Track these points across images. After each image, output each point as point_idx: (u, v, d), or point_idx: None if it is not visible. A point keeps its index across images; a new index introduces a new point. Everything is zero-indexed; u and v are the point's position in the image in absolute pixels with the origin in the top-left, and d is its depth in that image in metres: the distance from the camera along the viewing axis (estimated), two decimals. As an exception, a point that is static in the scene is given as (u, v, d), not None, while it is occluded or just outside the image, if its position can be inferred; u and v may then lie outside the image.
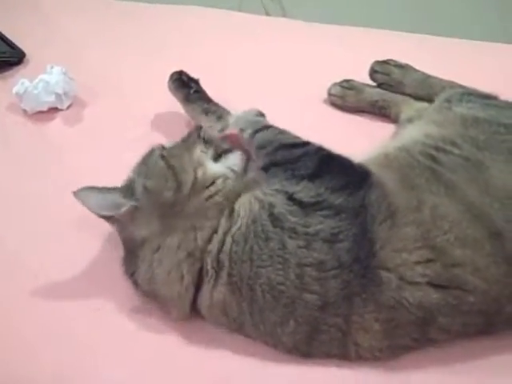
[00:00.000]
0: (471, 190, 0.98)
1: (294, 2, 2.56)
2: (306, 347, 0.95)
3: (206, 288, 0.97)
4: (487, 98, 1.25)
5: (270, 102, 1.42)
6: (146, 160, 1.07)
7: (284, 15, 2.50)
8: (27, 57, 1.59)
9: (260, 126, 1.15)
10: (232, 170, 1.06)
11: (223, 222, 0.98)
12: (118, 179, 1.07)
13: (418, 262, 0.92)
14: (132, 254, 1.02)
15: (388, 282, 0.91)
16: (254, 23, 1.79)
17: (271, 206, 0.96)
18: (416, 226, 0.94)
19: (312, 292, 0.91)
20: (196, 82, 1.34)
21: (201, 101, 1.32)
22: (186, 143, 1.09)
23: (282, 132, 1.12)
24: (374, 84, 1.46)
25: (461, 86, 1.35)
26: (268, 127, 1.14)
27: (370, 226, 0.93)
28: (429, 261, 0.92)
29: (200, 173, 1.02)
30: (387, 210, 0.95)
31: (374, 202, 0.96)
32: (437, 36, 1.72)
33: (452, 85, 1.37)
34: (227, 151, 1.10)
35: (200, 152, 1.07)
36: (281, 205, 0.96)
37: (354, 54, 1.60)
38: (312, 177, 0.98)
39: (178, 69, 1.37)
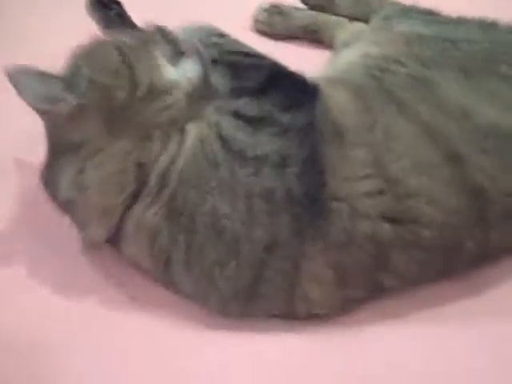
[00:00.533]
0: (425, 109, 0.88)
1: None
2: (245, 300, 0.84)
3: (139, 207, 0.84)
4: (429, 14, 1.15)
5: None
6: (95, 48, 0.90)
7: None
8: None
9: (215, 32, 1.00)
10: (190, 81, 0.90)
11: (176, 137, 0.85)
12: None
13: (368, 193, 0.82)
14: (59, 158, 0.87)
15: (339, 214, 0.81)
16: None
17: (218, 125, 0.85)
18: (366, 149, 0.84)
19: (260, 227, 0.80)
20: (119, 3, 1.12)
21: (122, 25, 1.09)
22: (146, 41, 0.91)
23: (238, 42, 0.99)
24: (305, 7, 1.33)
25: (398, 3, 1.24)
26: (223, 35, 1.00)
27: (318, 146, 0.83)
28: (380, 192, 0.82)
29: (157, 77, 0.87)
30: (335, 131, 0.85)
31: (320, 122, 0.85)
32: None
33: (390, 1, 1.26)
34: (188, 56, 0.92)
35: (159, 53, 0.90)
36: (228, 123, 0.84)
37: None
38: (257, 92, 0.87)
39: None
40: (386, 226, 0.82)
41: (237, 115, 0.85)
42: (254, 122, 0.84)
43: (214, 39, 0.98)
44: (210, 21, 1.29)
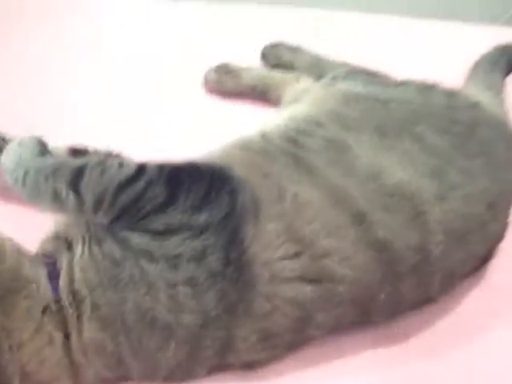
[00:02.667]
0: (334, 173, 0.91)
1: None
2: (187, 369, 0.86)
3: (74, 334, 0.82)
4: (374, 76, 1.19)
5: (148, 90, 1.37)
6: None
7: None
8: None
9: (70, 173, 0.86)
10: None
11: (63, 256, 0.85)
12: None
13: (284, 257, 0.84)
14: None
15: (261, 279, 0.83)
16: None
17: (113, 232, 0.84)
18: (278, 219, 0.86)
19: (189, 312, 0.81)
20: None
21: None
22: None
23: (101, 165, 0.87)
24: (254, 66, 1.38)
25: (352, 66, 1.28)
26: (82, 169, 0.86)
27: (239, 228, 0.84)
28: (296, 254, 0.85)
29: None
30: (253, 206, 0.86)
31: (241, 202, 0.86)
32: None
33: (344, 65, 1.30)
34: None
35: None
36: (127, 233, 0.83)
37: (242, 34, 1.53)
38: (164, 205, 0.84)
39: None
40: (306, 287, 0.84)
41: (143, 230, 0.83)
42: (162, 234, 0.83)
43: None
44: (162, 80, 1.37)
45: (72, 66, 1.44)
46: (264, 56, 1.41)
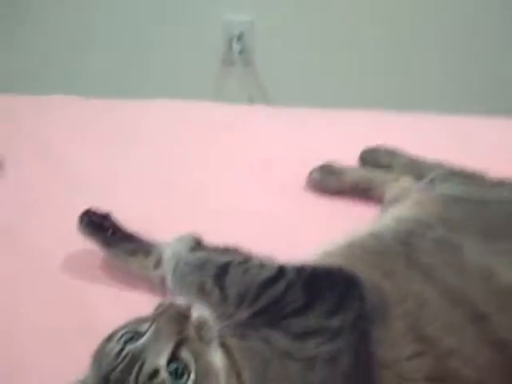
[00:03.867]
0: (448, 274, 0.94)
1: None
2: None
3: None
4: (471, 177, 1.23)
5: (251, 191, 1.42)
6: None
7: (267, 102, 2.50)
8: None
9: (216, 269, 0.97)
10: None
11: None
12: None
13: (411, 356, 0.86)
14: None
15: (388, 381, 0.85)
16: (232, 112, 1.77)
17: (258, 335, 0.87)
18: (404, 319, 0.89)
19: None
20: (108, 217, 1.18)
21: (122, 242, 1.15)
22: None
23: (244, 264, 0.97)
24: (356, 166, 1.44)
25: (448, 167, 1.33)
26: (227, 266, 0.96)
27: (368, 331, 0.87)
28: (421, 354, 0.86)
29: None
30: (381, 307, 0.90)
31: (370, 305, 0.90)
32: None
33: (440, 165, 1.34)
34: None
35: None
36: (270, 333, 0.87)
37: (338, 136, 1.59)
38: (303, 309, 0.89)
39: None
40: None
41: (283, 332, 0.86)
42: (301, 336, 0.86)
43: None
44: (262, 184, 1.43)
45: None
46: (362, 160, 1.46)
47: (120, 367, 0.77)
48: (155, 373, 0.75)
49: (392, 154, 1.44)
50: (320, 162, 1.42)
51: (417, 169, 1.37)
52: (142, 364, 0.76)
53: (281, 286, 0.92)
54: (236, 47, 2.47)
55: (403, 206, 1.18)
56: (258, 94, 2.51)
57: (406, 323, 0.88)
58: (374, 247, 1.02)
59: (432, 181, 1.23)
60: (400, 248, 1.00)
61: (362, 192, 1.37)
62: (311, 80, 2.49)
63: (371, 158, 1.45)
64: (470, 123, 1.67)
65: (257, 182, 1.45)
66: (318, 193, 1.40)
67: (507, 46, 2.49)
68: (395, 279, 0.94)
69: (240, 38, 2.48)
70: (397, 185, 1.33)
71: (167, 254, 1.06)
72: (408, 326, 0.88)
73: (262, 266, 0.97)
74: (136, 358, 0.76)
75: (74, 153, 1.55)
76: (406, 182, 1.33)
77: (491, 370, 0.87)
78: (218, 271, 0.97)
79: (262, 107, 2.08)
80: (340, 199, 1.38)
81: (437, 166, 1.34)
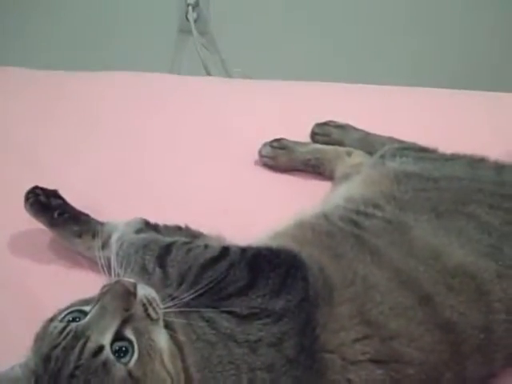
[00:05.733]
0: (396, 255, 0.95)
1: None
2: None
3: None
4: (423, 151, 1.23)
5: (202, 165, 1.41)
6: None
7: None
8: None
9: (160, 249, 0.97)
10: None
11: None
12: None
13: (356, 340, 0.87)
14: None
15: (332, 365, 0.86)
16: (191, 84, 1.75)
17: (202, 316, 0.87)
18: (350, 302, 0.90)
19: None
20: (56, 195, 1.14)
21: (69, 223, 1.12)
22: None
23: (188, 244, 0.98)
24: (307, 141, 1.43)
25: (399, 141, 1.33)
26: (170, 246, 0.97)
27: (312, 315, 0.88)
28: (366, 337, 0.88)
29: None
30: (326, 291, 0.90)
31: (314, 288, 0.90)
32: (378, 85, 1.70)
33: (392, 140, 1.35)
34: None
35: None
36: (214, 314, 0.88)
37: (291, 110, 1.58)
38: (246, 288, 0.90)
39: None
40: (375, 369, 0.86)
41: (227, 313, 0.88)
42: (245, 318, 0.87)
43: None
44: (214, 157, 1.42)
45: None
46: (314, 134, 1.45)
47: (62, 344, 0.76)
48: (99, 350, 0.75)
49: (343, 128, 1.44)
50: (273, 136, 1.41)
51: (369, 144, 1.38)
52: (86, 341, 0.75)
53: (223, 265, 0.92)
54: (191, 16, 2.43)
55: (353, 183, 1.18)
56: (215, 64, 2.48)
57: (353, 307, 0.89)
58: (323, 227, 1.02)
59: (383, 156, 1.23)
60: (348, 228, 1.01)
61: (312, 168, 1.37)
62: (269, 50, 2.47)
63: (322, 132, 1.45)
64: (429, 95, 1.67)
65: (210, 154, 1.44)
66: (269, 168, 1.40)
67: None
68: (343, 261, 0.95)
69: (195, 6, 2.44)
70: (348, 161, 1.33)
71: (114, 237, 1.05)
72: (354, 310, 0.89)
73: (206, 246, 0.97)
74: (79, 336, 0.76)
75: (25, 127, 1.52)
76: (356, 157, 1.34)
77: (436, 351, 0.88)
78: (161, 251, 0.97)
79: (219, 79, 2.06)
80: (291, 175, 1.39)
81: (389, 141, 1.34)
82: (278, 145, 1.39)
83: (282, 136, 1.41)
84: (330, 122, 1.46)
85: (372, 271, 0.93)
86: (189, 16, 2.43)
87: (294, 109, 1.59)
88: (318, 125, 1.46)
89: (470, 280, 0.93)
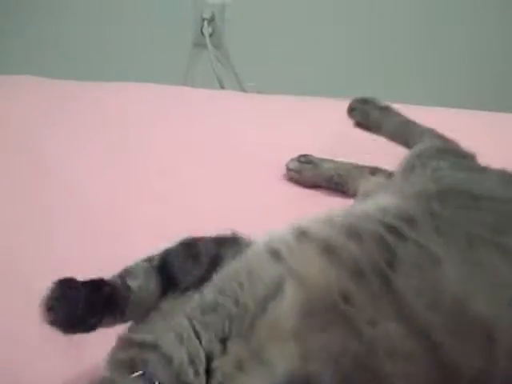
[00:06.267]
0: (419, 306, 0.81)
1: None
2: None
3: None
4: (463, 157, 1.14)
5: (214, 179, 1.41)
6: None
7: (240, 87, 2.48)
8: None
9: None
10: None
11: None
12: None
13: None
14: None
15: None
16: (205, 97, 1.75)
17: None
18: None
19: None
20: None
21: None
22: None
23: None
24: (333, 159, 1.41)
25: (439, 138, 1.23)
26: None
27: None
28: None
29: None
30: None
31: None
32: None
33: (432, 134, 1.25)
34: None
35: None
36: None
37: (305, 125, 1.58)
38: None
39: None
40: None
41: None
42: None
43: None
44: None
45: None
46: (351, 110, 1.37)
47: None
48: None
49: (384, 109, 1.35)
50: (290, 150, 1.41)
51: (406, 132, 1.28)
52: None
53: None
54: (207, 30, 2.44)
55: (386, 189, 1.07)
56: (229, 78, 2.48)
57: None
58: (350, 259, 0.85)
59: (420, 157, 1.12)
60: (378, 256, 0.85)
61: (335, 185, 1.37)
62: (282, 65, 2.48)
63: (360, 109, 1.36)
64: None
65: (222, 167, 1.44)
66: (289, 182, 1.40)
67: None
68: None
69: (211, 20, 2.45)
70: (372, 179, 1.32)
71: None
72: None
73: None
74: None
75: (40, 135, 1.51)
76: (381, 177, 1.31)
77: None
78: None
79: (233, 93, 2.06)
80: (315, 191, 1.38)
81: (428, 135, 1.24)
82: (305, 159, 1.40)
83: (297, 151, 1.41)
84: (371, 99, 1.36)
85: (390, 324, 0.79)
86: (204, 30, 2.46)
87: (308, 124, 1.59)
88: (357, 100, 1.37)
89: (483, 329, 0.81)
